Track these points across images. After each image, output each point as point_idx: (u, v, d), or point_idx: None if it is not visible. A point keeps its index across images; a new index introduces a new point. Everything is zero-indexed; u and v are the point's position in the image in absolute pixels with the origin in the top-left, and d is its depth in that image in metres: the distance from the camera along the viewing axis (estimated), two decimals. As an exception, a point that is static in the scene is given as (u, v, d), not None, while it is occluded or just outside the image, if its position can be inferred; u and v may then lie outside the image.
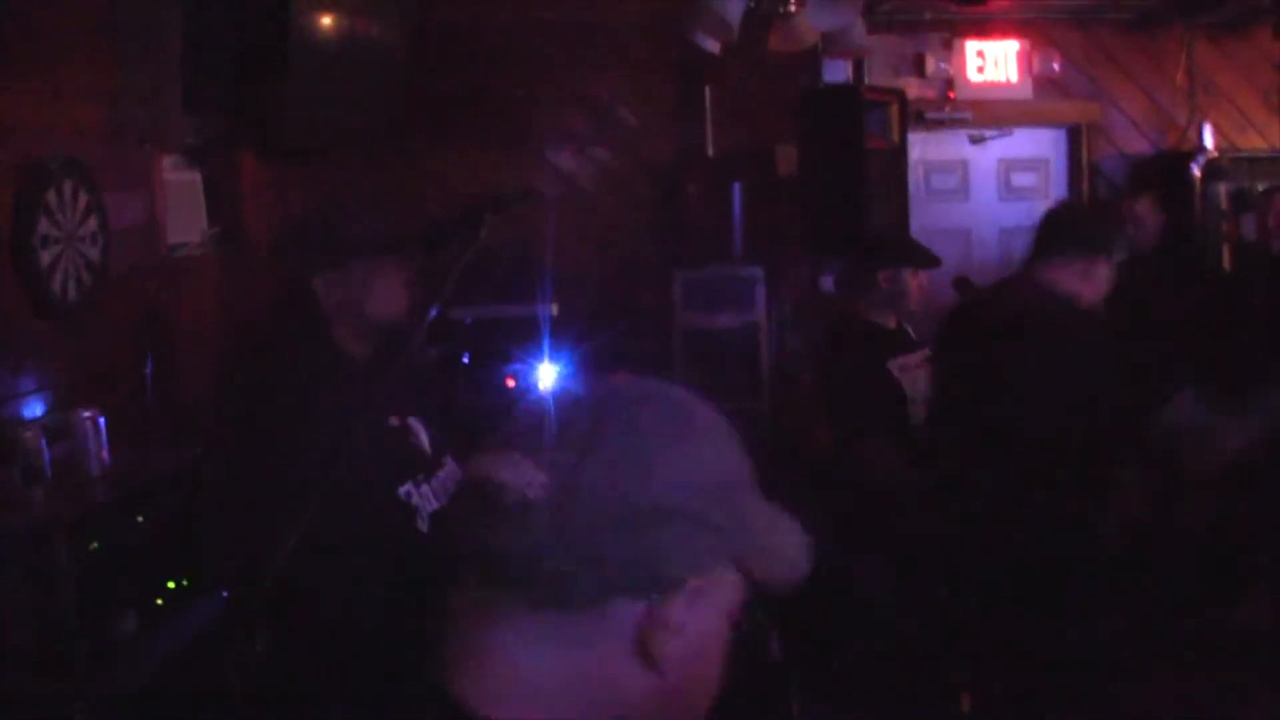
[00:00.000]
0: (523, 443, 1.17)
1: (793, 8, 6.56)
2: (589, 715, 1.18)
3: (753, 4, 6.47)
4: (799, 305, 8.29)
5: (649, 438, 1.18)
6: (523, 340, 6.77)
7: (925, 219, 8.00)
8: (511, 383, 6.99)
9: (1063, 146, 9.21)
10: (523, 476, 1.14)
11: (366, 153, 7.72)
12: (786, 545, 1.26)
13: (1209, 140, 8.87)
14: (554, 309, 7.18)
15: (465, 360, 7.08)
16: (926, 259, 5.55)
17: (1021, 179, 9.12)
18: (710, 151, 8.36)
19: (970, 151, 8.83)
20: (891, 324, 5.55)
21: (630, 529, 1.13)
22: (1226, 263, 8.15)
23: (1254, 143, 9.16)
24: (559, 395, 1.22)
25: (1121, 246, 4.40)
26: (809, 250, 7.85)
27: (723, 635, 1.22)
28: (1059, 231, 4.39)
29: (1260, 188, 7.60)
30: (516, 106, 8.23)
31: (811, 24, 6.57)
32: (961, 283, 5.57)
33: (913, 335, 5.59)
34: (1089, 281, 4.32)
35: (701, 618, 1.18)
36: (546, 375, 6.13)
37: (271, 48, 6.30)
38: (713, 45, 6.63)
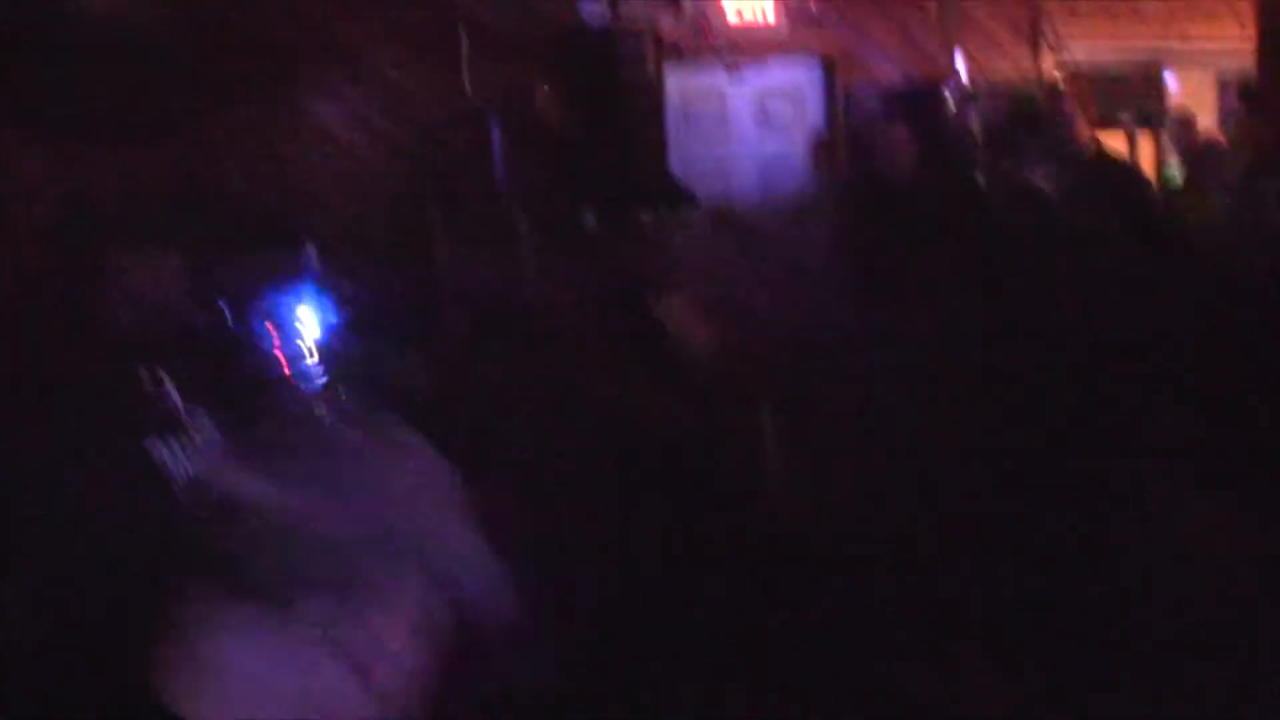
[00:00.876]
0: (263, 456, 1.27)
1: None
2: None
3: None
4: (564, 246, 8.35)
5: (352, 458, 1.27)
6: (285, 292, 6.72)
7: (684, 153, 8.09)
8: (273, 330, 6.95)
9: (818, 77, 9.39)
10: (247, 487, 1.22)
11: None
12: (473, 561, 1.33)
13: (961, 70, 9.13)
14: (313, 260, 7.13)
15: (227, 315, 7.00)
16: (684, 197, 5.67)
17: (778, 110, 9.28)
18: (470, 95, 8.34)
19: (728, 86, 8.96)
20: (652, 262, 5.66)
21: (332, 540, 1.21)
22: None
23: (1003, 68, 9.48)
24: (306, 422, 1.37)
25: None
26: (569, 191, 7.90)
27: (415, 645, 1.28)
28: None
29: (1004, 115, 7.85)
30: (271, 57, 8.11)
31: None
32: (719, 217, 5.72)
33: (672, 270, 5.71)
34: None
35: (395, 626, 1.25)
36: (308, 320, 6.11)
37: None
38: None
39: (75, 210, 5.90)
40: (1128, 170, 7.12)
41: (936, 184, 7.55)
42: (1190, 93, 11.04)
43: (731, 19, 8.92)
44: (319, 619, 1.21)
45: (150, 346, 3.25)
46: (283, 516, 1.20)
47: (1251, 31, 7.64)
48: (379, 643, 1.23)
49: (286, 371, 6.46)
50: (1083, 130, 6.81)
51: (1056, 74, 9.22)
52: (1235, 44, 9.09)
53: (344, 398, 5.25)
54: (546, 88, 8.04)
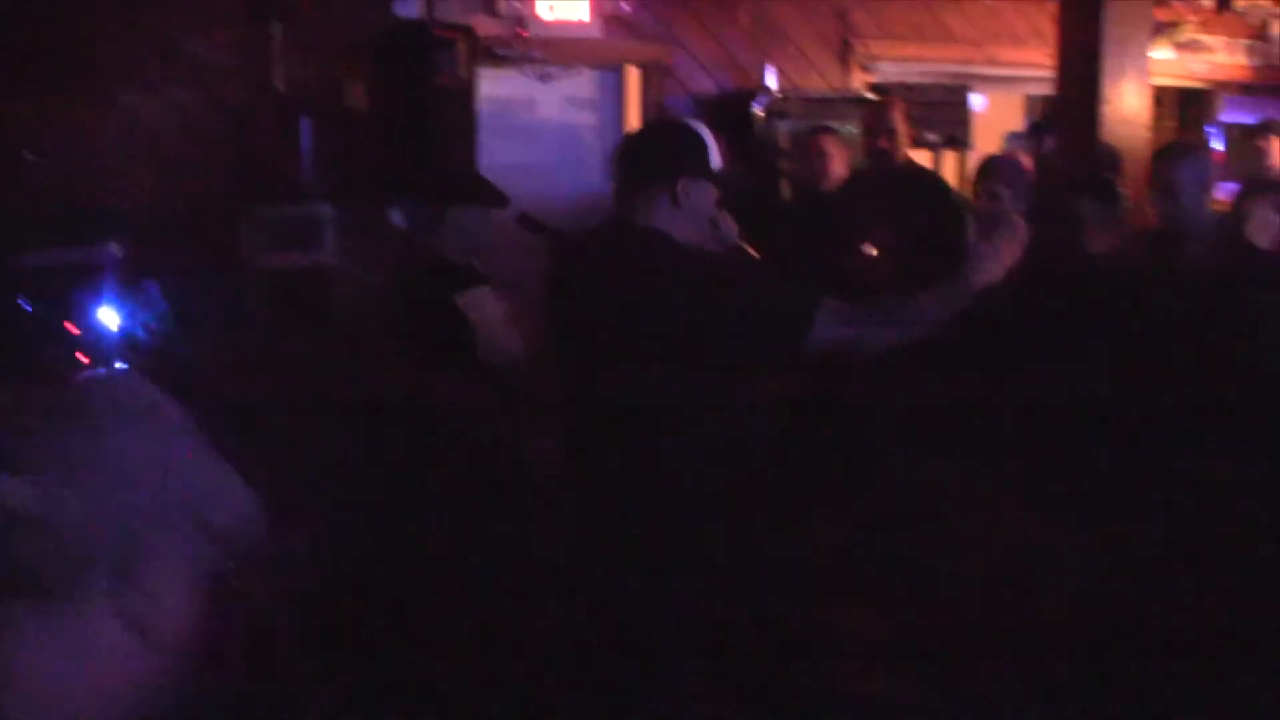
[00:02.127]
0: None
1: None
2: (100, 702, 1.28)
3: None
4: (371, 243, 8.42)
5: (110, 437, 1.30)
6: (88, 284, 6.70)
7: (494, 156, 8.23)
8: (73, 329, 6.92)
9: (632, 85, 9.60)
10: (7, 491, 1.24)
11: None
12: (244, 512, 1.42)
13: (772, 81, 9.39)
14: (118, 250, 7.11)
15: (27, 309, 6.96)
16: (493, 197, 5.75)
17: (589, 117, 9.47)
18: (281, 87, 8.38)
19: (540, 89, 9.11)
20: (459, 260, 5.73)
21: (98, 516, 1.26)
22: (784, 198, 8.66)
23: (814, 84, 9.79)
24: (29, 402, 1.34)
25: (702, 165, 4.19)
26: (378, 187, 7.99)
27: (201, 600, 1.35)
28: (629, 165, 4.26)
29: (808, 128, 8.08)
30: (80, 44, 8.06)
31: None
32: (526, 220, 5.79)
33: (479, 270, 5.79)
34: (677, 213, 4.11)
35: (177, 586, 1.32)
36: (110, 319, 6.12)
37: None
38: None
39: None
40: (939, 186, 7.39)
41: (741, 191, 7.77)
42: (999, 113, 11.48)
43: (548, 22, 9.07)
44: (103, 594, 1.27)
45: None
46: (42, 505, 1.23)
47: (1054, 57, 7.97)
48: (158, 600, 1.29)
49: (84, 360, 6.47)
50: (903, 146, 7.06)
51: (867, 93, 9.50)
52: (1042, 68, 9.47)
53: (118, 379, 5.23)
54: (358, 84, 8.12)
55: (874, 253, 6.54)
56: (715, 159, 4.09)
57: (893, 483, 6.02)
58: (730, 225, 4.20)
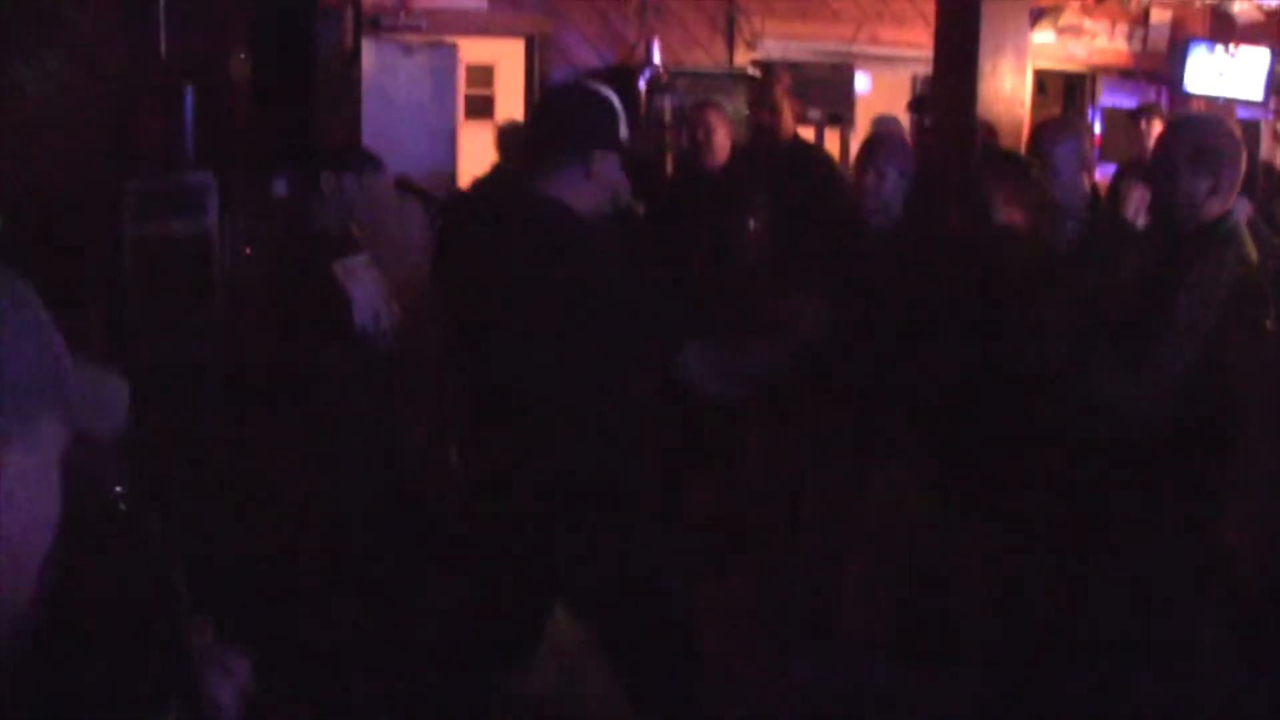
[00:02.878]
0: None
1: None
2: None
3: (193, -100, 6.53)
4: (253, 212, 8.38)
5: None
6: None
7: (379, 125, 8.21)
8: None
9: (517, 57, 9.64)
10: None
11: None
12: (108, 401, 1.45)
13: (657, 56, 9.46)
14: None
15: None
16: (371, 165, 5.76)
17: (477, 88, 9.48)
18: (164, 55, 8.28)
19: (424, 59, 9.09)
20: (337, 229, 5.74)
21: None
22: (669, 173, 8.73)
23: (699, 60, 9.88)
24: None
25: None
26: (261, 156, 7.96)
27: (53, 481, 1.35)
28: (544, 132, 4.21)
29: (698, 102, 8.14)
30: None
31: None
32: (401, 183, 5.81)
33: (357, 236, 5.81)
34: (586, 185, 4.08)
35: (27, 464, 1.30)
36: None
37: None
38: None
39: None
40: (821, 162, 7.48)
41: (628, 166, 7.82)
42: (884, 93, 11.65)
43: (433, -6, 9.10)
44: None
45: None
46: None
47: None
48: (12, 496, 1.29)
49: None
50: (787, 122, 7.11)
51: (752, 69, 9.58)
52: (926, 49, 9.61)
53: None
54: (242, 53, 8.07)
55: (755, 227, 6.61)
56: (624, 129, 4.12)
57: (767, 453, 6.13)
58: (626, 188, 4.22)
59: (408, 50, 9.08)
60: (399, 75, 9.14)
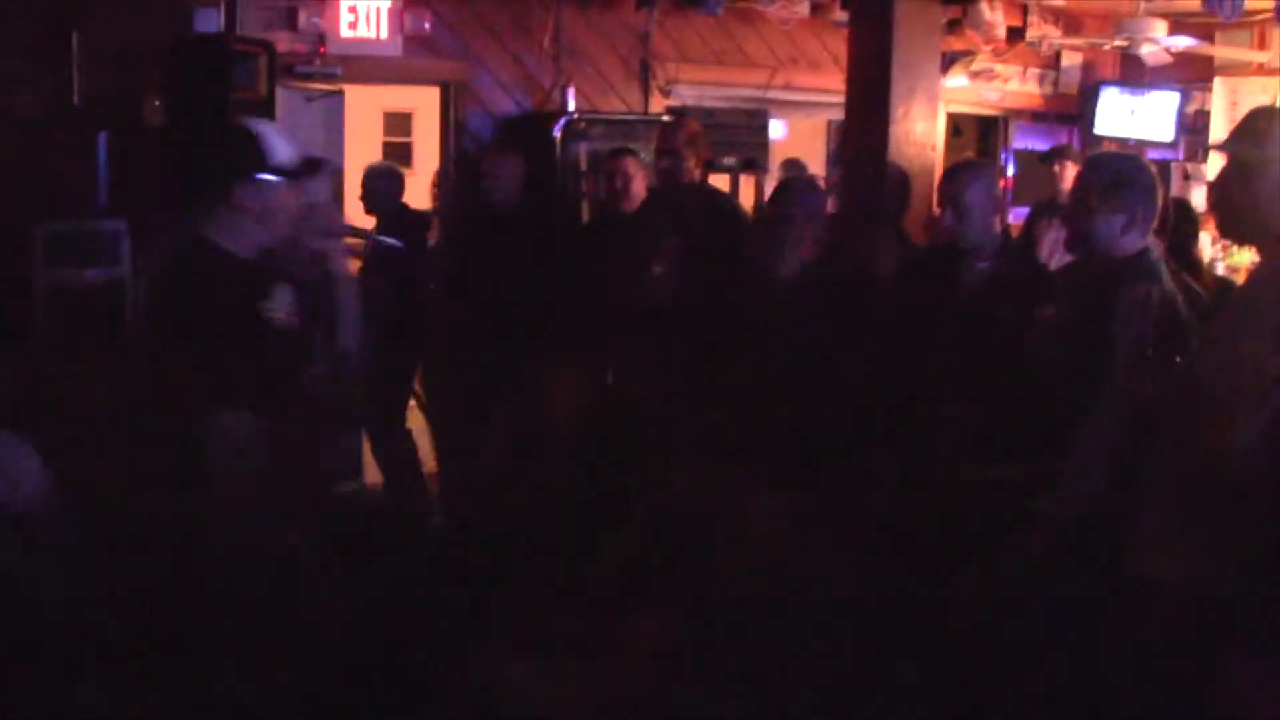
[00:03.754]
0: None
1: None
2: None
3: (104, -57, 6.52)
4: (167, 260, 8.33)
5: None
6: None
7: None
8: None
9: (435, 104, 9.69)
10: None
11: None
12: (13, 468, 1.49)
13: (572, 103, 9.52)
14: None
15: None
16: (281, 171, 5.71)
17: (396, 135, 9.50)
18: (77, 100, 8.25)
19: (319, 106, 9.08)
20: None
21: None
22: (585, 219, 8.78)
23: (614, 106, 9.97)
24: None
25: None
26: (174, 202, 7.93)
27: None
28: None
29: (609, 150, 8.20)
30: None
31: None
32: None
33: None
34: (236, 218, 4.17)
35: None
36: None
37: None
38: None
39: None
40: (725, 207, 7.53)
41: (541, 208, 7.89)
42: (800, 138, 11.77)
43: (347, 40, 9.10)
44: None
45: None
46: None
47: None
48: None
49: None
50: (690, 167, 7.15)
51: (666, 116, 9.66)
52: (839, 94, 9.71)
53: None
54: (156, 97, 8.05)
55: (660, 272, 6.67)
56: (281, 154, 4.08)
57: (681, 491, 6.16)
58: (334, 217, 4.19)
59: (309, 97, 9.08)
60: (303, 122, 9.12)
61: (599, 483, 7.04)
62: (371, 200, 8.36)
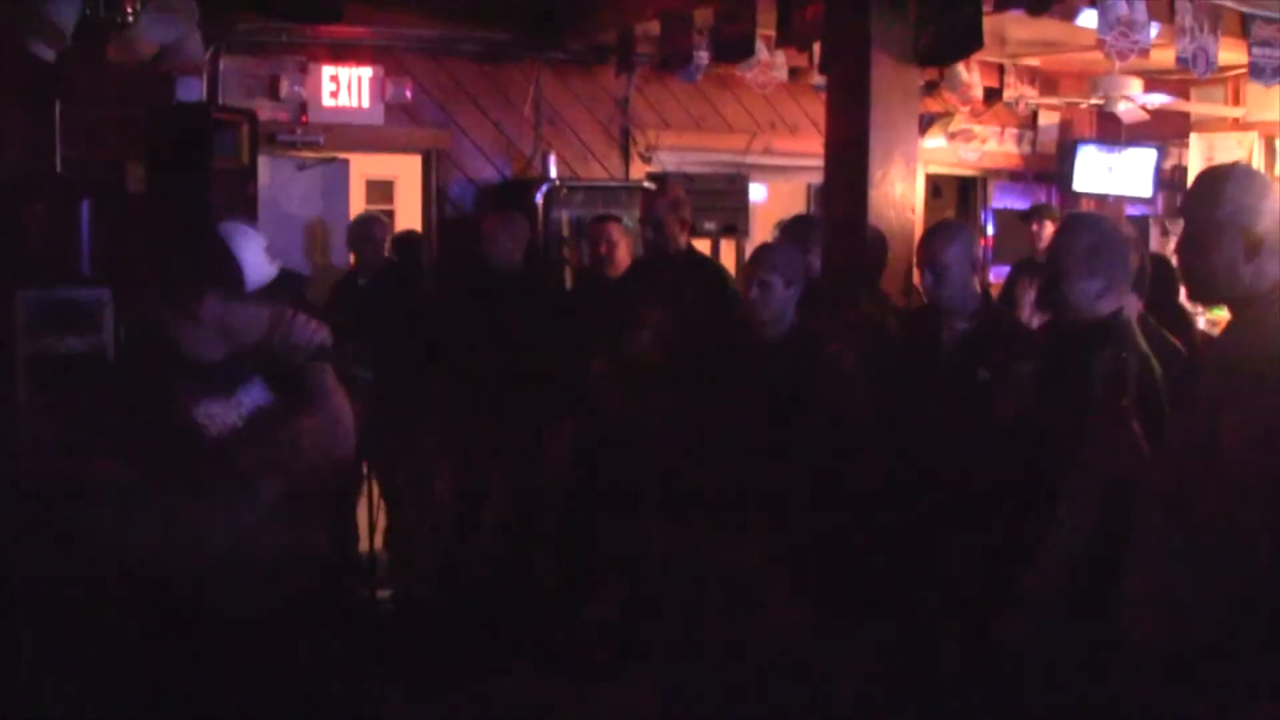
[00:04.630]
0: None
1: (129, 18, 6.66)
2: None
3: (88, 12, 6.52)
4: (151, 326, 8.30)
5: None
6: None
7: (274, 238, 8.16)
8: None
9: (416, 171, 9.73)
10: None
11: None
12: None
13: (553, 169, 9.57)
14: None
15: None
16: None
17: (378, 202, 9.54)
18: (60, 167, 8.26)
19: (316, 174, 9.12)
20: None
21: None
22: (568, 285, 8.81)
23: (595, 172, 10.06)
24: None
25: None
26: (155, 271, 7.91)
27: None
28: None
29: (593, 216, 8.26)
30: None
31: (146, 36, 6.73)
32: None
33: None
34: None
35: None
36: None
37: None
38: (48, 53, 6.66)
39: None
40: (711, 273, 7.56)
41: (525, 274, 7.92)
42: (781, 202, 11.82)
43: (329, 109, 9.16)
44: None
45: None
46: None
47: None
48: None
49: None
50: (674, 233, 7.17)
51: (647, 182, 9.70)
52: (819, 157, 9.75)
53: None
54: (138, 166, 8.07)
55: (646, 340, 6.69)
56: (254, 265, 3.93)
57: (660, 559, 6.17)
58: (307, 331, 4.02)
59: (301, 165, 9.11)
60: (293, 190, 9.15)
61: (585, 542, 7.08)
62: (360, 249, 8.46)
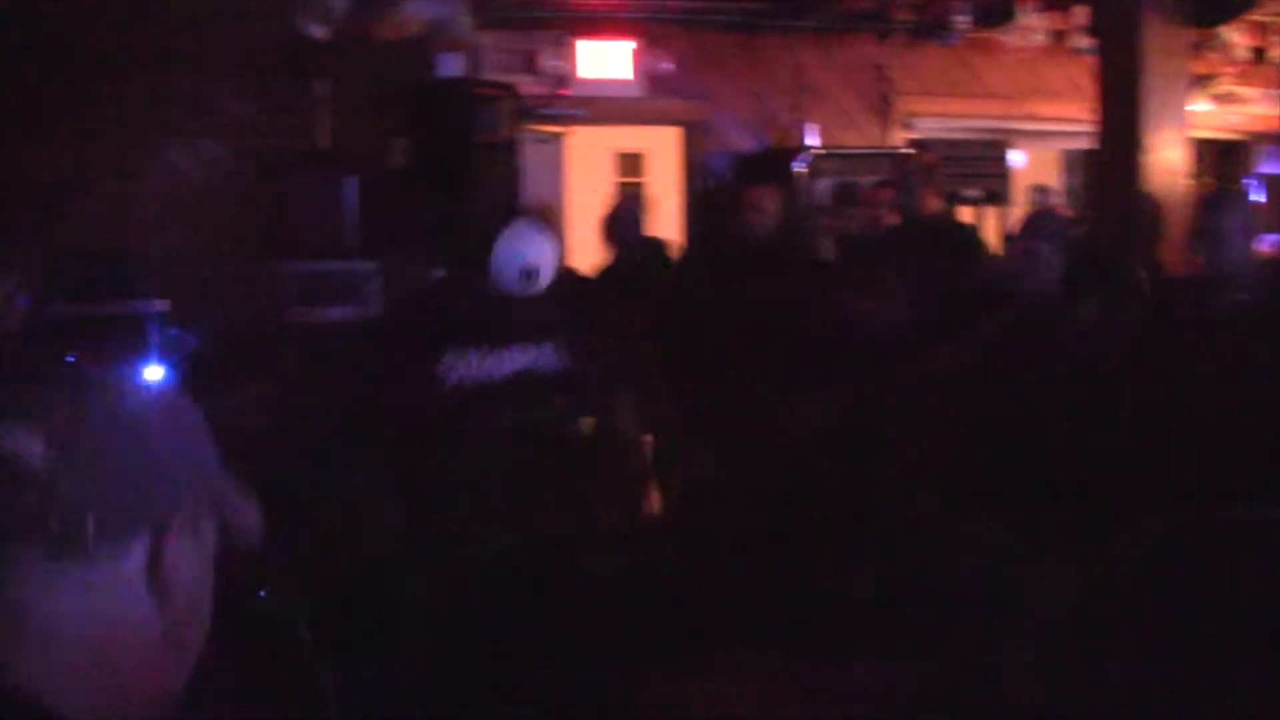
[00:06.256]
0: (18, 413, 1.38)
1: (399, -5, 6.78)
2: (113, 651, 1.36)
3: (361, -9, 6.66)
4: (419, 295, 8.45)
5: (137, 410, 1.43)
6: (127, 338, 6.73)
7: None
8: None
9: (667, 144, 9.69)
10: (20, 445, 1.34)
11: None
12: (247, 516, 1.52)
13: (812, 138, 9.46)
14: (161, 305, 7.16)
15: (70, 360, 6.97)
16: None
17: (628, 173, 9.53)
18: (323, 143, 8.43)
19: (583, 145, 9.14)
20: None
21: (123, 479, 1.37)
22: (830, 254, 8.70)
23: (853, 140, 9.85)
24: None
25: None
26: (420, 244, 8.04)
27: (209, 575, 1.47)
28: None
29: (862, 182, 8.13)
30: (117, 97, 8.12)
31: (415, 12, 6.80)
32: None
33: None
34: None
35: (193, 559, 1.43)
36: (154, 374, 6.11)
37: None
38: (320, 32, 6.76)
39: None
40: (965, 239, 7.41)
41: (781, 246, 7.84)
42: (1033, 168, 11.53)
43: (587, 81, 9.17)
44: (127, 551, 1.36)
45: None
46: (46, 456, 1.31)
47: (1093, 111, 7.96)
48: (179, 570, 1.39)
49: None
50: (927, 199, 7.06)
51: (906, 149, 9.55)
52: (1078, 123, 9.46)
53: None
54: (400, 141, 8.18)
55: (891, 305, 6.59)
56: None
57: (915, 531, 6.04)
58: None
59: (539, 140, 9.14)
60: (533, 165, 9.14)
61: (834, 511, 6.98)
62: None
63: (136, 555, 1.36)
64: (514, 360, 4.90)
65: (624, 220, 8.43)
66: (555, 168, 9.35)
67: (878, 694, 5.62)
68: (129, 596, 1.36)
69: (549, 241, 5.04)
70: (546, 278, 4.97)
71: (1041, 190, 10.54)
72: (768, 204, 7.75)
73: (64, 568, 1.32)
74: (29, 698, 1.31)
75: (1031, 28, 9.49)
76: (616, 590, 6.14)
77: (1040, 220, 6.06)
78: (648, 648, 6.03)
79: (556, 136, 9.28)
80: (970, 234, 7.67)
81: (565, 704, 4.69)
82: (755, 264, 7.62)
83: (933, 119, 10.45)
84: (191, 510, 1.41)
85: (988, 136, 10.35)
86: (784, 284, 7.45)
